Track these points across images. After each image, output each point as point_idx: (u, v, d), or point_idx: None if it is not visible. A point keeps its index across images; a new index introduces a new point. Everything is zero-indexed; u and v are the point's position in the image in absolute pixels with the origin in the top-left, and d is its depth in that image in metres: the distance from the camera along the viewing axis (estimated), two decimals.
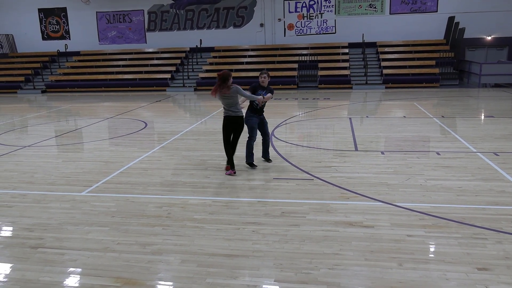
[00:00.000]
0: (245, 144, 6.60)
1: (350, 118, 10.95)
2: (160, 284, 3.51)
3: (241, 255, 3.88)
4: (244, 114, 6.35)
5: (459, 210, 4.75)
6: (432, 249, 3.92)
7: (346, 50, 20.47)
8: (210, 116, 11.99)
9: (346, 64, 19.53)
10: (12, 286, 3.51)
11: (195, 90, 19.66)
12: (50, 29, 23.61)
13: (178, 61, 21.53)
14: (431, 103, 13.64)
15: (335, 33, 20.84)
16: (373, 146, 7.89)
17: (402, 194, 5.29)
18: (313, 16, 20.95)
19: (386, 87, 18.06)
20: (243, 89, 6.18)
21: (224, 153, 6.68)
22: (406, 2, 19.92)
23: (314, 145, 8.16)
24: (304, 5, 20.92)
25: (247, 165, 6.60)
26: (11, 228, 4.65)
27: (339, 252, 3.87)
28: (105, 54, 22.88)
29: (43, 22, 23.61)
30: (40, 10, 23.45)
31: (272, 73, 19.61)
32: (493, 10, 19.01)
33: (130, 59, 22.25)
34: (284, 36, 21.40)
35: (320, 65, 19.67)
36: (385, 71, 18.79)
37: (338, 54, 20.39)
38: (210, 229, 4.44)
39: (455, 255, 3.77)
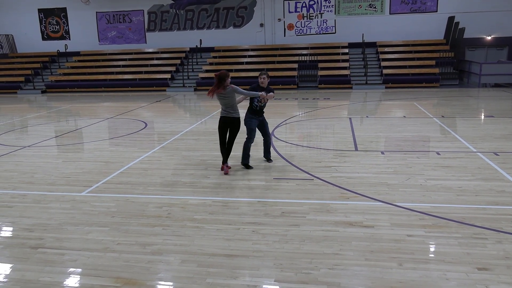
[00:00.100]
0: (243, 145, 6.60)
1: (350, 118, 10.95)
2: (160, 284, 3.50)
3: (241, 255, 3.87)
4: (241, 116, 6.35)
5: (459, 210, 4.74)
6: (432, 249, 3.92)
7: (346, 50, 20.47)
8: (210, 116, 11.99)
9: (346, 64, 19.53)
10: (12, 286, 3.51)
11: (195, 90, 19.66)
12: (50, 29, 23.61)
13: (178, 61, 21.53)
14: (431, 103, 13.64)
15: (335, 33, 20.85)
16: (373, 146, 7.89)
17: (402, 194, 5.29)
18: (313, 16, 20.95)
19: (386, 87, 18.06)
20: (244, 90, 6.19)
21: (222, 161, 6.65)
22: (406, 2, 19.92)
23: (314, 145, 8.16)
24: (304, 5, 20.92)
25: (242, 166, 6.60)
26: (11, 228, 4.65)
27: (339, 252, 3.87)
28: (105, 54, 22.88)
29: (43, 22, 23.61)
30: (40, 10, 23.46)
31: (272, 73, 19.62)
32: (493, 10, 19.01)
33: (130, 59, 22.25)
34: (284, 36, 21.40)
35: (320, 65, 19.67)
36: (385, 71, 18.79)
37: (338, 54, 20.39)
38: (210, 229, 4.44)
39: (455, 255, 3.77)
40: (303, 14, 21.03)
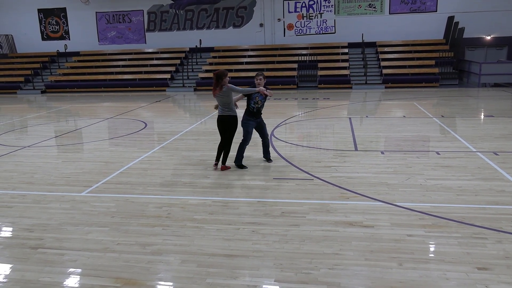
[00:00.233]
0: (238, 146, 6.60)
1: (349, 118, 10.95)
2: (160, 285, 3.50)
3: (241, 255, 3.87)
4: (237, 114, 6.37)
5: (459, 210, 4.74)
6: (432, 249, 3.92)
7: (346, 50, 20.47)
8: (210, 116, 11.98)
9: (345, 64, 19.53)
10: (12, 287, 3.51)
11: (195, 90, 19.65)
12: (50, 29, 23.60)
13: (178, 61, 21.53)
14: (430, 102, 13.64)
15: (334, 33, 20.85)
16: (373, 146, 7.88)
17: (402, 194, 5.29)
18: (312, 16, 20.95)
19: (386, 87, 18.06)
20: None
21: (219, 159, 6.70)
22: (406, 2, 19.92)
23: (314, 145, 8.16)
24: (303, 5, 20.92)
25: (236, 166, 6.59)
26: (10, 229, 4.65)
27: (339, 252, 3.87)
28: (105, 54, 22.87)
29: (43, 22, 23.60)
30: (39, 11, 23.44)
31: (271, 73, 19.63)
32: (492, 9, 19.01)
33: (129, 59, 22.24)
34: (284, 36, 21.40)
35: (320, 65, 19.66)
36: (384, 71, 18.79)
37: (337, 54, 20.39)
38: (210, 229, 4.44)
39: (455, 254, 3.77)
40: (302, 14, 21.03)
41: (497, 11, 19.00)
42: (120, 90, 20.37)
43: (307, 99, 15.55)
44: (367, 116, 11.39)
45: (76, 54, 23.12)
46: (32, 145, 8.89)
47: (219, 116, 6.37)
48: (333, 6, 20.61)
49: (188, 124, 10.99)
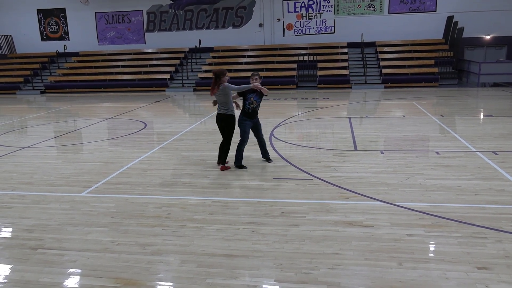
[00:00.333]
0: (237, 146, 6.60)
1: (349, 118, 10.95)
2: (160, 285, 3.50)
3: (241, 255, 3.87)
4: (234, 113, 6.38)
5: (459, 209, 4.74)
6: (432, 249, 3.92)
7: (345, 50, 20.47)
8: (210, 116, 11.98)
9: (345, 64, 19.53)
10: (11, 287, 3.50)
11: (195, 90, 19.65)
12: (49, 29, 23.59)
13: (177, 62, 21.52)
14: (430, 102, 13.64)
15: (334, 33, 20.85)
16: (372, 146, 7.88)
17: (402, 194, 5.29)
18: (312, 16, 20.95)
19: (385, 87, 18.06)
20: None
21: (218, 159, 6.72)
22: (405, 2, 19.93)
23: (314, 145, 8.15)
24: (303, 5, 20.92)
25: (235, 167, 6.59)
26: (10, 229, 4.65)
27: (339, 251, 3.87)
28: (104, 54, 22.86)
29: (42, 22, 23.58)
30: (39, 11, 23.43)
31: (271, 73, 19.63)
32: (492, 9, 19.03)
33: (129, 60, 22.23)
34: (283, 36, 21.40)
35: (319, 65, 19.66)
36: (384, 71, 18.79)
37: (337, 54, 20.39)
38: (210, 229, 4.44)
39: (455, 254, 3.77)
40: (302, 14, 21.03)
41: (496, 11, 19.01)
42: (119, 90, 20.36)
43: (306, 99, 15.55)
44: (366, 116, 11.38)
45: (76, 54, 23.11)
46: (32, 145, 8.88)
47: (217, 114, 6.44)
48: (333, 6, 20.61)
49: (188, 124, 10.98)
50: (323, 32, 20.97)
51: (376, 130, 9.37)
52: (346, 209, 4.84)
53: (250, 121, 6.52)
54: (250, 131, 6.65)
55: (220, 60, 20.91)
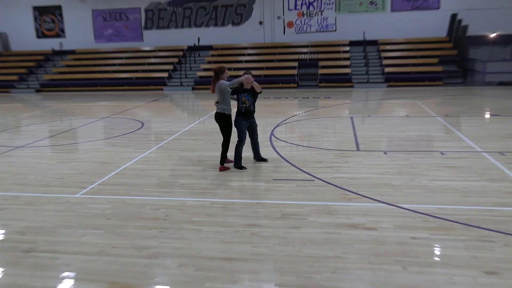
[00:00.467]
0: (235, 147, 6.57)
1: (351, 118, 10.92)
2: None
3: (241, 258, 3.83)
4: (230, 113, 6.37)
5: (465, 212, 4.70)
6: (437, 252, 3.88)
7: (347, 48, 20.45)
8: (208, 115, 11.94)
9: (347, 63, 19.50)
10: None
11: (193, 89, 19.62)
12: (45, 27, 23.55)
13: (176, 60, 21.49)
14: (434, 101, 13.62)
15: (335, 31, 20.82)
16: (375, 146, 7.85)
17: (406, 195, 5.25)
18: (313, 13, 20.92)
19: (388, 86, 18.04)
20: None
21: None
22: None
23: (315, 145, 8.12)
24: (304, 2, 20.89)
25: (235, 168, 6.55)
26: (2, 232, 4.60)
27: (342, 255, 3.83)
28: (101, 52, 22.83)
29: (38, 20, 23.55)
30: (34, 8, 23.40)
31: (271, 72, 19.60)
32: (497, 7, 18.99)
33: (126, 58, 22.20)
34: (284, 34, 21.36)
35: (321, 63, 19.64)
36: (386, 69, 18.77)
37: (338, 52, 20.37)
38: (209, 231, 4.40)
39: (462, 258, 3.72)
40: (303, 11, 21.00)
41: (501, 8, 18.97)
42: (116, 89, 20.33)
43: (307, 98, 15.52)
44: (369, 116, 11.35)
45: (72, 52, 23.08)
46: (26, 145, 8.84)
47: (215, 113, 6.44)
48: (334, 3, 20.58)
49: (186, 123, 10.95)
50: (324, 30, 20.94)
51: (379, 130, 9.34)
52: (348, 211, 4.81)
53: (246, 121, 6.47)
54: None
55: (219, 59, 20.87)
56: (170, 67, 21.02)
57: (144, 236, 4.35)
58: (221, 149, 6.56)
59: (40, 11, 23.39)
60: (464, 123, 9.91)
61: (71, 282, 3.57)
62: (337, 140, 8.53)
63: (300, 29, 21.15)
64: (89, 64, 22.10)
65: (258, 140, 6.87)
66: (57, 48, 23.12)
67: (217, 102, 6.44)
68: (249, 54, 21.15)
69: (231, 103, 6.43)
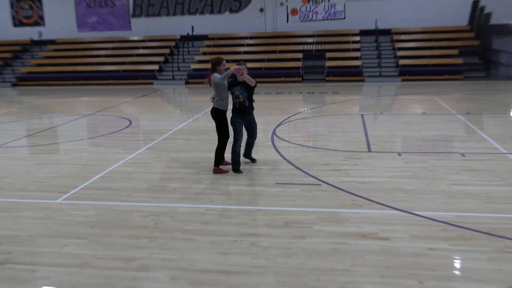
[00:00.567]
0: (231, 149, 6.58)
1: (362, 115, 10.93)
2: None
3: (239, 271, 3.84)
4: (224, 108, 6.39)
5: (488, 220, 4.71)
6: (457, 265, 3.88)
7: (357, 38, 20.47)
8: (203, 112, 11.95)
9: (357, 54, 19.52)
10: None
11: (187, 83, 19.64)
12: (22, 14, 23.57)
13: (167, 51, 21.52)
14: (454, 97, 13.63)
15: (344, 18, 20.82)
16: (388, 147, 7.86)
17: (422, 201, 5.26)
18: None
19: (403, 80, 18.05)
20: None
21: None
22: None
23: (322, 145, 8.13)
24: None
25: (233, 171, 6.55)
26: None
27: (351, 268, 3.83)
28: (84, 42, 22.86)
29: (14, 6, 23.57)
30: None
31: (273, 64, 19.63)
32: None
33: (112, 49, 22.23)
34: (287, 22, 21.38)
35: (328, 55, 19.66)
36: (401, 62, 18.78)
37: (348, 42, 20.39)
38: (203, 241, 4.41)
39: (484, 271, 3.73)
40: None
41: None
42: (101, 83, 20.34)
43: (313, 93, 15.52)
44: (381, 113, 11.36)
45: (52, 42, 23.10)
46: (1, 145, 8.85)
47: (211, 108, 6.53)
48: None
49: (179, 121, 10.96)
50: (332, 17, 20.94)
51: (393, 129, 9.35)
52: (358, 219, 4.81)
53: (242, 118, 6.46)
54: (245, 131, 6.62)
55: (216, 50, 20.90)
56: (161, 58, 21.04)
57: (131, 246, 4.36)
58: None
59: None
60: (487, 122, 9.92)
61: None
62: (346, 140, 8.54)
63: (305, 16, 21.16)
64: (71, 56, 22.12)
65: (256, 141, 6.87)
66: (35, 37, 23.14)
67: (213, 98, 6.47)
68: (248, 45, 21.17)
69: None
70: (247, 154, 6.95)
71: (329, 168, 6.69)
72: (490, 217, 4.79)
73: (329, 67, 19.19)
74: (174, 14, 22.29)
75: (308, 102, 13.71)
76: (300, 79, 19.17)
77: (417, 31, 20.27)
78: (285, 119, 10.63)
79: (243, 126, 6.57)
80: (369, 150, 7.65)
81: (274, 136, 8.86)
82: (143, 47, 22.04)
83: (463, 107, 11.84)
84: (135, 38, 22.51)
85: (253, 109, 6.59)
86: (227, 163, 6.73)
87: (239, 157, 6.58)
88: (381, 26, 20.20)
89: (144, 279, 3.78)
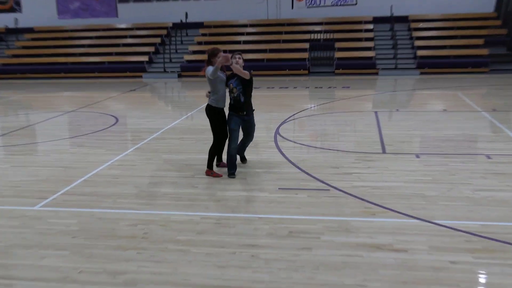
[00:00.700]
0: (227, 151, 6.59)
1: (375, 112, 10.93)
2: None
3: (238, 286, 3.84)
4: (219, 106, 6.40)
5: None
6: (482, 280, 3.89)
7: (371, 26, 20.47)
8: (198, 109, 11.97)
9: (370, 44, 19.52)
10: None
11: (179, 76, 19.65)
12: None
13: (158, 40, 21.54)
14: (478, 92, 13.62)
15: (356, 4, 20.82)
16: (405, 148, 7.87)
17: (443, 209, 5.26)
18: None
19: (421, 73, 18.05)
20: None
21: (217, 156, 6.76)
22: None
23: (330, 146, 8.14)
24: None
25: (228, 176, 6.55)
26: None
27: (363, 283, 3.84)
28: (66, 31, 22.88)
29: None
30: None
31: (276, 56, 19.64)
32: None
33: (97, 38, 22.25)
34: (292, 8, 21.38)
35: (337, 45, 19.66)
36: (419, 53, 18.78)
37: (360, 31, 20.39)
38: (198, 253, 4.41)
39: None
40: None
41: None
42: (84, 76, 20.37)
43: (321, 88, 15.52)
44: (397, 110, 11.36)
45: (30, 30, 23.13)
46: None
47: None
48: None
49: (171, 119, 10.97)
50: (342, 3, 20.95)
51: (410, 127, 9.35)
52: (371, 229, 4.81)
53: (238, 116, 6.44)
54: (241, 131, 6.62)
55: (212, 39, 20.92)
56: (151, 49, 21.06)
57: (118, 258, 4.36)
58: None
59: None
60: None
61: None
62: (357, 140, 8.55)
63: (312, 2, 21.17)
64: (50, 46, 22.14)
65: (257, 141, 6.87)
66: (11, 25, 23.17)
67: (209, 93, 6.47)
68: (248, 34, 21.18)
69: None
70: (240, 152, 6.96)
71: (339, 171, 6.69)
72: None
73: (338, 58, 19.19)
74: None
75: (315, 98, 13.70)
76: (306, 72, 19.17)
77: (437, 18, 20.27)
78: (290, 117, 10.63)
79: (240, 127, 6.54)
80: (384, 152, 7.65)
81: (278, 135, 8.86)
82: (131, 36, 22.06)
83: (489, 103, 11.83)
84: (122, 26, 22.53)
85: (252, 108, 6.57)
86: (224, 165, 6.74)
87: (235, 160, 6.58)
88: (397, 12, 20.21)
89: None
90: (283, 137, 8.76)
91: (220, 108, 6.41)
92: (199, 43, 20.95)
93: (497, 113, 10.51)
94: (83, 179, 6.68)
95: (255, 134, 6.89)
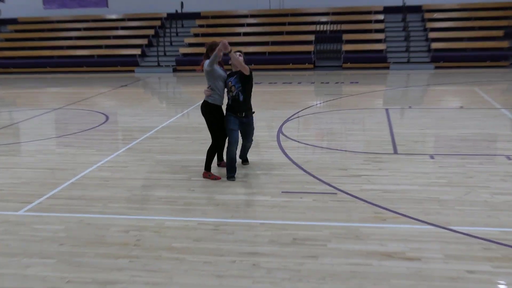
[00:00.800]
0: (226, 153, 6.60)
1: (386, 110, 10.93)
2: None
3: None
4: (216, 103, 6.43)
5: None
6: None
7: (381, 17, 20.47)
8: (194, 106, 11.96)
9: (380, 36, 19.51)
10: None
11: (175, 71, 19.66)
12: None
13: (151, 32, 21.54)
14: (498, 88, 13.61)
15: None
16: (418, 148, 7.87)
17: (460, 214, 5.25)
18: None
19: (436, 67, 18.04)
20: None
21: (215, 157, 6.78)
22: None
23: (338, 146, 8.14)
24: None
25: (227, 179, 6.56)
26: None
27: None
28: (52, 22, 22.90)
29: None
30: None
31: (279, 48, 19.64)
32: None
33: (85, 29, 22.26)
34: None
35: (345, 36, 19.65)
36: (434, 45, 18.77)
37: (369, 22, 20.39)
38: (195, 261, 4.41)
39: None
40: None
41: None
42: (72, 70, 20.37)
43: (327, 83, 15.51)
44: (410, 107, 11.35)
45: (13, 21, 23.15)
46: None
47: None
48: None
49: (165, 117, 10.97)
50: None
51: (424, 126, 9.35)
52: (382, 235, 4.81)
53: (235, 117, 6.43)
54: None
55: (210, 30, 20.93)
56: (144, 41, 21.07)
57: (109, 267, 4.36)
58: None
59: None
60: None
61: None
62: (367, 139, 8.55)
63: None
64: (35, 38, 22.16)
65: (257, 140, 6.88)
66: None
67: (209, 87, 6.45)
68: (249, 25, 21.19)
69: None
70: (243, 155, 7.01)
71: (347, 173, 6.68)
72: None
73: (346, 51, 19.18)
74: None
75: (321, 94, 13.69)
76: (311, 66, 19.17)
77: (453, 8, 20.26)
78: (294, 114, 10.63)
79: (238, 129, 6.54)
80: (395, 152, 7.65)
81: (281, 134, 8.86)
82: (123, 28, 22.07)
83: (509, 99, 11.83)
84: (113, 16, 22.54)
85: (252, 110, 6.56)
86: (225, 165, 6.73)
87: (235, 162, 6.58)
88: (410, 2, 20.21)
89: None
90: (286, 136, 8.76)
91: (216, 106, 6.41)
92: (196, 35, 20.95)
93: None
94: (70, 181, 6.68)
95: (255, 133, 6.89)
